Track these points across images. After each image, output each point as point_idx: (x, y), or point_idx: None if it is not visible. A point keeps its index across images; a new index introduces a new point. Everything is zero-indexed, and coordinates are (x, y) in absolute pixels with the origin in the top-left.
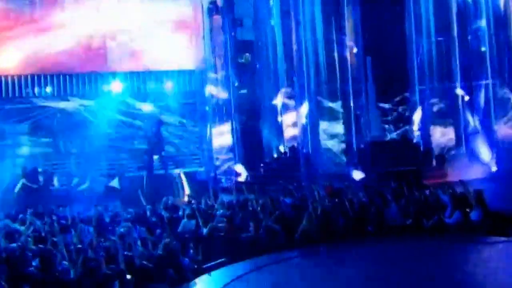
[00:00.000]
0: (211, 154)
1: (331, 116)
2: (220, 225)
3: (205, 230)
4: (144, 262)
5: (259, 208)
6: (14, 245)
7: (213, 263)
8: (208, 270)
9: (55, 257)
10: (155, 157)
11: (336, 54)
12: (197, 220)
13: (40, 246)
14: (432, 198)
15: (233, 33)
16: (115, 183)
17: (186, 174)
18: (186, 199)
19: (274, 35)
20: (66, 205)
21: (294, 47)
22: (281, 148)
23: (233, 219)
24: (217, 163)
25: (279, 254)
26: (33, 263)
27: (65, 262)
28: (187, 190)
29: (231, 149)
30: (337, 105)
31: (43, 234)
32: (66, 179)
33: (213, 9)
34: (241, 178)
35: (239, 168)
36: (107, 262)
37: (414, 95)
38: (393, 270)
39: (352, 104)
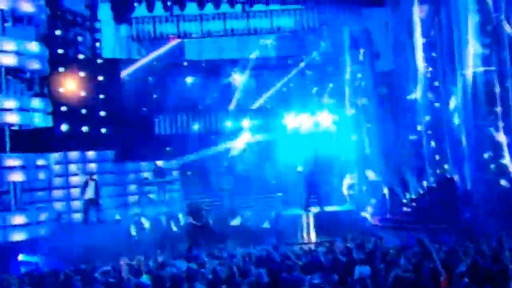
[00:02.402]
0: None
1: (494, 146)
2: (406, 274)
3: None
4: None
5: (443, 256)
6: None
7: None
8: None
9: None
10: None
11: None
12: (372, 267)
13: None
14: None
15: (371, 65)
16: (266, 224)
17: (338, 212)
18: (313, 239)
19: (415, 65)
20: (224, 243)
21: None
22: (424, 184)
23: (420, 268)
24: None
25: None
26: None
27: None
28: (312, 231)
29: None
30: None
31: (223, 277)
32: (220, 216)
33: (353, 44)
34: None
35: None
36: None
37: None
38: None
39: None
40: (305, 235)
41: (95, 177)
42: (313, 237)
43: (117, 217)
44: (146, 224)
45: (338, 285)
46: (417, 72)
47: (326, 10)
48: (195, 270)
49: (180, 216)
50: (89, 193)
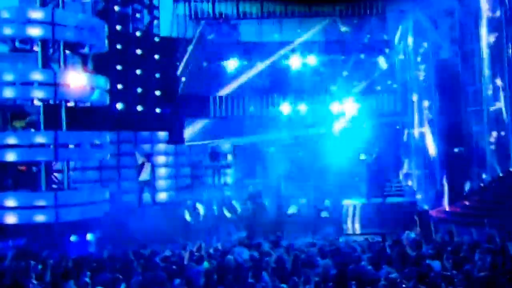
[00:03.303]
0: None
1: None
2: (481, 274)
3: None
4: None
5: None
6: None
7: None
8: None
9: None
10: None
11: None
12: (443, 263)
13: None
14: None
15: (434, 53)
16: (325, 213)
17: (400, 203)
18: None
19: (481, 55)
20: (280, 231)
21: None
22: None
23: (496, 266)
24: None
25: None
26: None
27: None
28: (357, 224)
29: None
30: None
31: (288, 268)
32: (275, 204)
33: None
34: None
35: None
36: None
37: None
38: None
39: None
40: (356, 225)
41: (152, 159)
42: (358, 228)
43: (171, 200)
44: (201, 209)
45: (416, 281)
46: (483, 63)
47: None
48: (260, 259)
49: (234, 202)
50: (145, 175)
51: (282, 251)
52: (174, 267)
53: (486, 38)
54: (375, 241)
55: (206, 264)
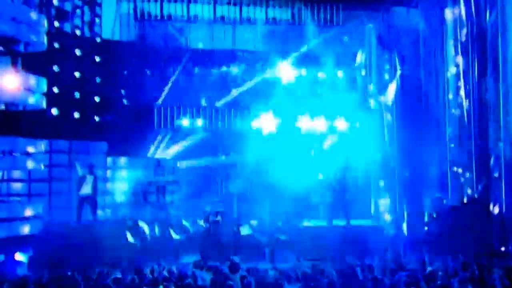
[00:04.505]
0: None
1: None
2: None
3: None
4: None
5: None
6: None
7: None
8: None
9: None
10: None
11: None
12: None
13: None
14: None
15: (398, 69)
16: (283, 236)
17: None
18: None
19: (446, 71)
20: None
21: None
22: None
23: None
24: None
25: None
26: None
27: None
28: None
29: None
30: None
31: None
32: (230, 224)
33: (380, 44)
34: None
35: None
36: None
37: None
38: None
39: None
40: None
41: (94, 171)
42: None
43: (111, 218)
44: (146, 229)
45: None
46: (447, 80)
47: (351, 6)
48: (223, 283)
49: (185, 222)
50: (86, 189)
51: (244, 274)
52: None
53: (452, 52)
54: (343, 267)
55: None
